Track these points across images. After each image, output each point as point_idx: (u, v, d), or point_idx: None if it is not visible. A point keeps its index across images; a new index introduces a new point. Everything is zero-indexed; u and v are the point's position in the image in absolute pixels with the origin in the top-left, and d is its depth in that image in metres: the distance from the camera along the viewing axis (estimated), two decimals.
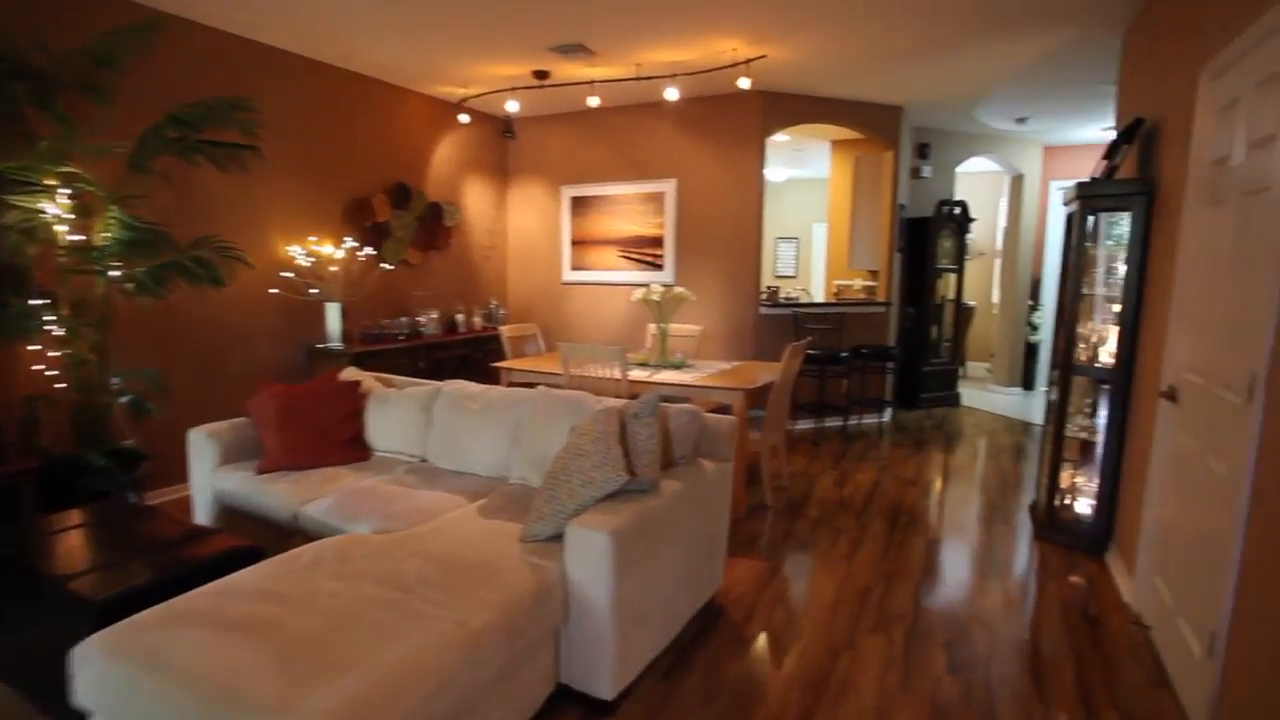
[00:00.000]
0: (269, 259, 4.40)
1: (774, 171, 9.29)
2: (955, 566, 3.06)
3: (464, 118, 5.33)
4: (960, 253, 6.46)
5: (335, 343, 4.61)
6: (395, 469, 3.01)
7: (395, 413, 3.24)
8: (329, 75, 4.72)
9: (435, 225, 5.65)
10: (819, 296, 9.65)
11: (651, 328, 4.88)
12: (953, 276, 6.51)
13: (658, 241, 5.75)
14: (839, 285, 6.76)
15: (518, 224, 6.52)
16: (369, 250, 4.91)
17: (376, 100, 5.08)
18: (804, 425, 5.60)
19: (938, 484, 4.25)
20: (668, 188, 5.64)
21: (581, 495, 2.08)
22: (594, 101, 4.60)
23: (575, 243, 6.19)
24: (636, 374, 3.81)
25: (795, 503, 3.87)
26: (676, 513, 2.22)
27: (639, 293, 4.04)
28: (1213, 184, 2.24)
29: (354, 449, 3.12)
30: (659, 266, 5.77)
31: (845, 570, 3.00)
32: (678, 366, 4.02)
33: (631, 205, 5.83)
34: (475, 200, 6.13)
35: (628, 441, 2.23)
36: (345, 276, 4.73)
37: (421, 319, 5.20)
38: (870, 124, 5.60)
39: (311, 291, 4.49)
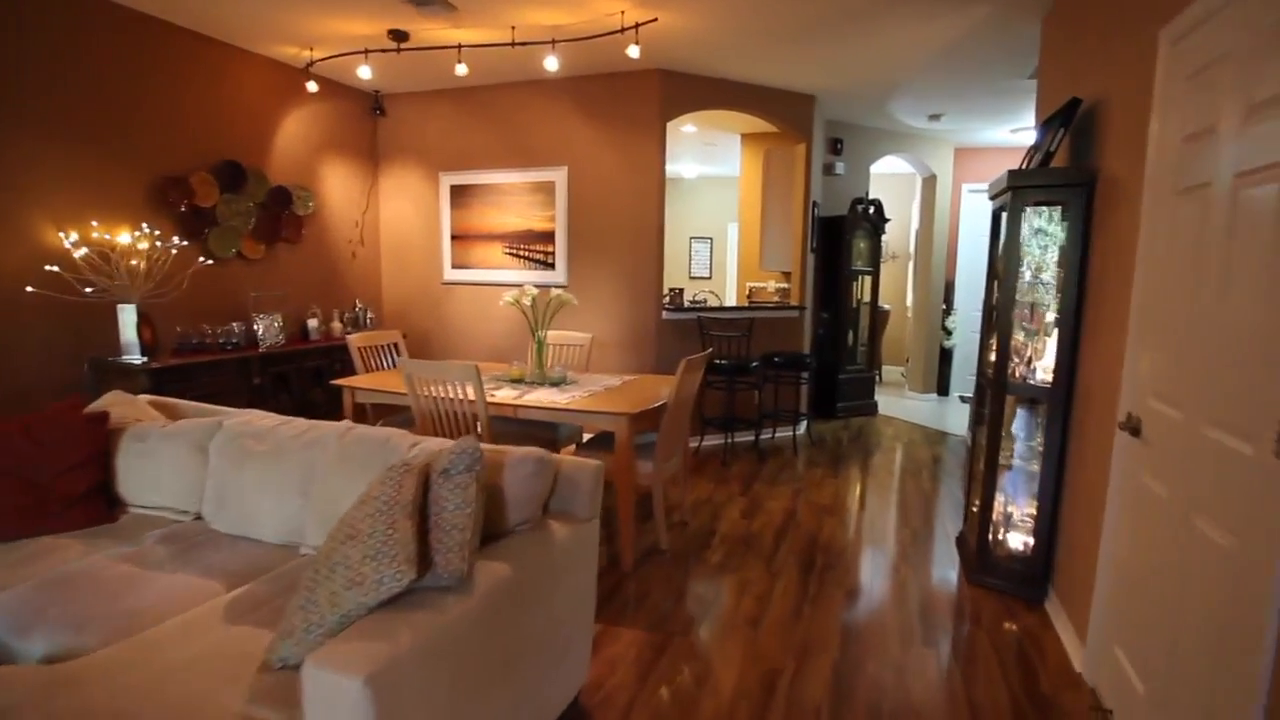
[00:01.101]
0: (28, 248, 3.43)
1: (685, 167, 8.78)
2: (879, 628, 2.54)
3: (312, 86, 4.47)
4: (876, 254, 6.12)
5: (132, 355, 3.68)
6: (147, 535, 2.20)
7: (162, 455, 2.42)
8: (137, 25, 3.77)
9: (282, 213, 4.75)
10: (733, 300, 9.24)
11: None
12: (868, 279, 6.16)
13: (548, 237, 5.07)
14: (752, 287, 6.28)
15: (391, 215, 5.67)
16: (179, 241, 3.98)
17: (199, 59, 4.16)
18: (711, 442, 5.06)
19: (856, 511, 3.78)
20: (558, 176, 4.97)
21: (346, 602, 1.38)
22: (461, 70, 3.88)
23: (456, 237, 5.42)
24: (503, 394, 3.12)
25: (696, 542, 3.28)
26: (499, 616, 1.56)
27: (509, 295, 3.35)
28: (1184, 167, 1.79)
29: (92, 507, 2.28)
30: (550, 265, 5.09)
31: (750, 643, 2.42)
32: (557, 383, 3.36)
33: (519, 196, 5.13)
34: (338, 186, 5.26)
35: (430, 513, 1.55)
36: (146, 272, 3.80)
37: (260, 325, 4.31)
38: (781, 114, 5.13)
39: (87, 290, 3.54)
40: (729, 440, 5.02)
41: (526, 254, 5.16)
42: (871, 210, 5.99)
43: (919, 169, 6.81)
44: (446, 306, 5.54)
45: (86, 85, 3.62)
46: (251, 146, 4.54)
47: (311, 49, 4.39)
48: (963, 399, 6.92)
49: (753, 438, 5.08)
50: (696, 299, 5.39)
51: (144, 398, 2.96)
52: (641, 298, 4.82)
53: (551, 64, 3.77)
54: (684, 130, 6.40)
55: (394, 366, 4.13)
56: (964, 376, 7.08)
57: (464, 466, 1.63)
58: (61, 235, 3.52)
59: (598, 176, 4.85)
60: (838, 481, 4.30)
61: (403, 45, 4.09)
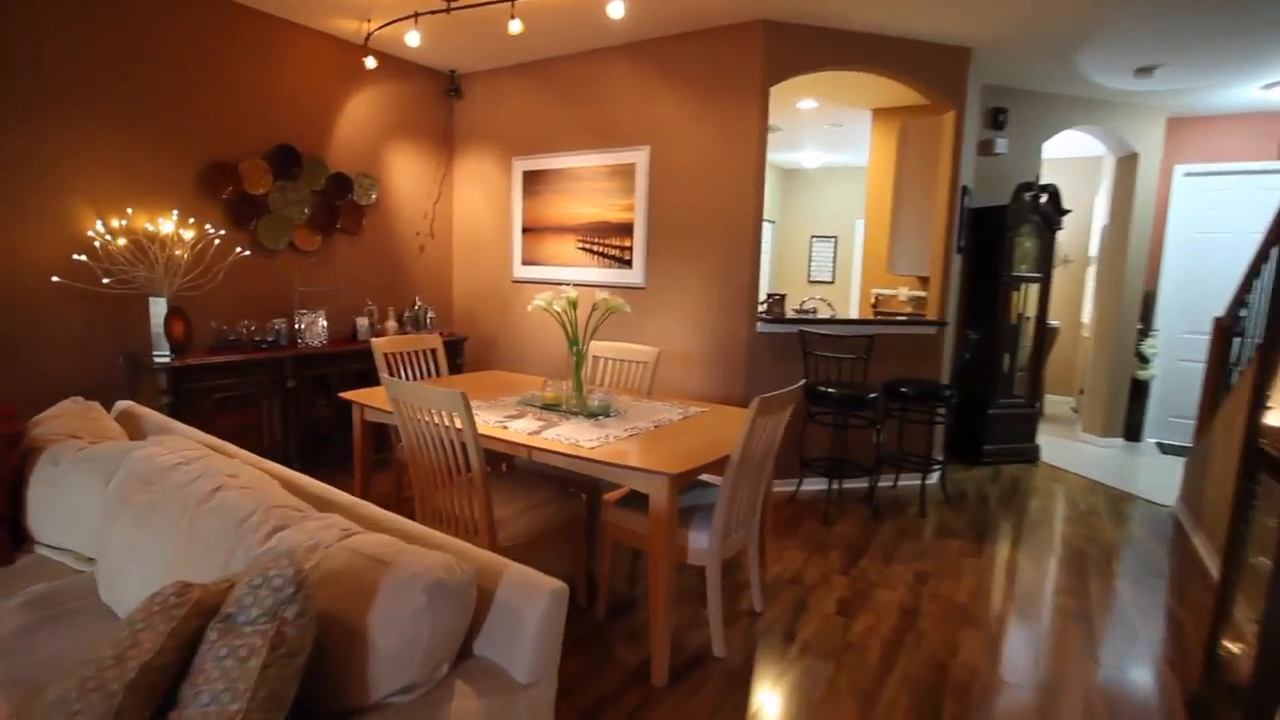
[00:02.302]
0: (66, 236, 3.18)
1: (807, 156, 7.71)
2: None
3: (370, 61, 4.02)
4: (1047, 256, 4.79)
5: (161, 351, 3.35)
6: (21, 593, 1.70)
7: (70, 485, 1.93)
8: (185, 1, 3.48)
9: (341, 202, 4.36)
10: (855, 310, 8.03)
11: (603, 349, 3.46)
12: (1034, 287, 4.85)
13: (625, 229, 4.31)
14: (878, 295, 5.18)
15: (464, 206, 5.18)
16: (216, 230, 3.63)
17: (252, 36, 3.82)
18: (813, 487, 4.07)
19: (1010, 620, 2.68)
20: (639, 158, 4.20)
21: None
22: (515, 27, 3.21)
23: (527, 230, 4.81)
24: (519, 426, 2.39)
25: (767, 646, 2.38)
26: None
27: (539, 299, 2.62)
28: None
29: None
30: (626, 262, 4.33)
31: None
32: (597, 414, 2.59)
33: (595, 182, 4.42)
34: (407, 174, 4.82)
35: (182, 697, 0.82)
36: (187, 264, 3.48)
37: (302, 322, 3.91)
38: (923, 75, 4.02)
39: (105, 281, 3.23)
40: (835, 488, 4.00)
41: (601, 249, 4.44)
42: (1044, 200, 4.68)
43: (1113, 147, 5.33)
44: (516, 308, 4.95)
45: (132, 67, 3.33)
46: (309, 131, 4.16)
47: (369, 19, 3.93)
48: (1163, 447, 5.36)
49: (867, 487, 4.03)
50: (804, 307, 4.41)
51: (125, 405, 2.54)
52: (732, 304, 3.94)
53: (616, 10, 3.00)
54: (801, 107, 5.41)
55: (435, 375, 3.55)
56: (1164, 418, 5.49)
57: (260, 613, 0.90)
58: (99, 223, 3.25)
59: (684, 157, 4.02)
60: (981, 563, 3.18)
61: (453, 4, 3.50)
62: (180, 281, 3.45)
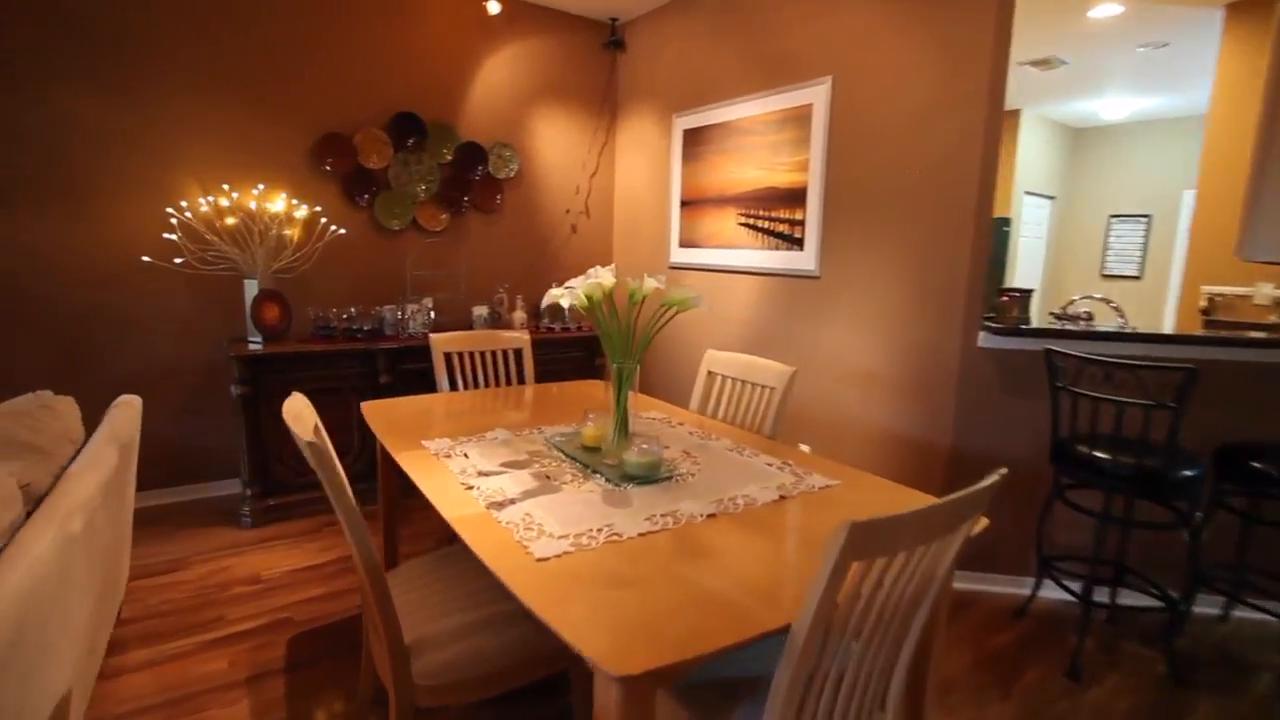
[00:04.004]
0: (171, 216, 3.10)
1: (1108, 103, 5.58)
2: None
3: (493, 6, 3.44)
4: None
5: (254, 337, 3.16)
6: None
7: None
8: None
9: (474, 176, 3.89)
10: (1170, 322, 5.66)
11: (723, 362, 2.46)
12: None
13: (796, 197, 3.17)
14: (1213, 296, 3.31)
15: (626, 178, 4.44)
16: (310, 209, 3.35)
17: None
18: (1056, 595, 2.55)
19: None
20: (816, 96, 3.02)
21: None
22: None
23: (685, 204, 3.90)
24: (497, 486, 1.53)
25: None
26: None
27: (555, 293, 1.71)
28: None
29: None
30: (796, 241, 3.19)
31: None
32: (636, 477, 1.61)
33: (762, 135, 3.34)
34: (556, 143, 4.22)
35: None
36: (294, 244, 3.25)
37: (408, 311, 3.50)
38: None
39: (177, 261, 3.07)
40: (1100, 606, 2.45)
41: (767, 224, 3.35)
42: None
43: None
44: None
45: (243, 38, 3.15)
46: (436, 97, 3.73)
47: None
48: None
49: (1166, 616, 2.39)
50: (1069, 311, 2.83)
51: (126, 399, 2.23)
52: (939, 305, 2.60)
53: None
54: (1096, 16, 3.67)
55: (508, 383, 2.84)
56: None
57: None
58: (203, 202, 3.13)
59: (876, 90, 2.76)
60: None
61: None
62: (275, 263, 3.21)
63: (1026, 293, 2.61)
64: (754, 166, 3.38)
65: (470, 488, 1.55)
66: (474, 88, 3.85)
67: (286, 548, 2.85)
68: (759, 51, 3.30)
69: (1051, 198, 6.67)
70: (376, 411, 2.23)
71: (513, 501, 1.47)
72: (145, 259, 3.02)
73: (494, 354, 2.82)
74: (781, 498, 1.53)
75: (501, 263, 4.10)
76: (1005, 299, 2.61)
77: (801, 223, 3.13)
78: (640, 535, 1.32)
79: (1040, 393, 2.43)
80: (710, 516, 1.42)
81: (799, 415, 3.22)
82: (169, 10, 2.99)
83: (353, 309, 3.39)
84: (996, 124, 2.43)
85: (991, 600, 2.55)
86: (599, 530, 1.33)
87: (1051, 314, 3.03)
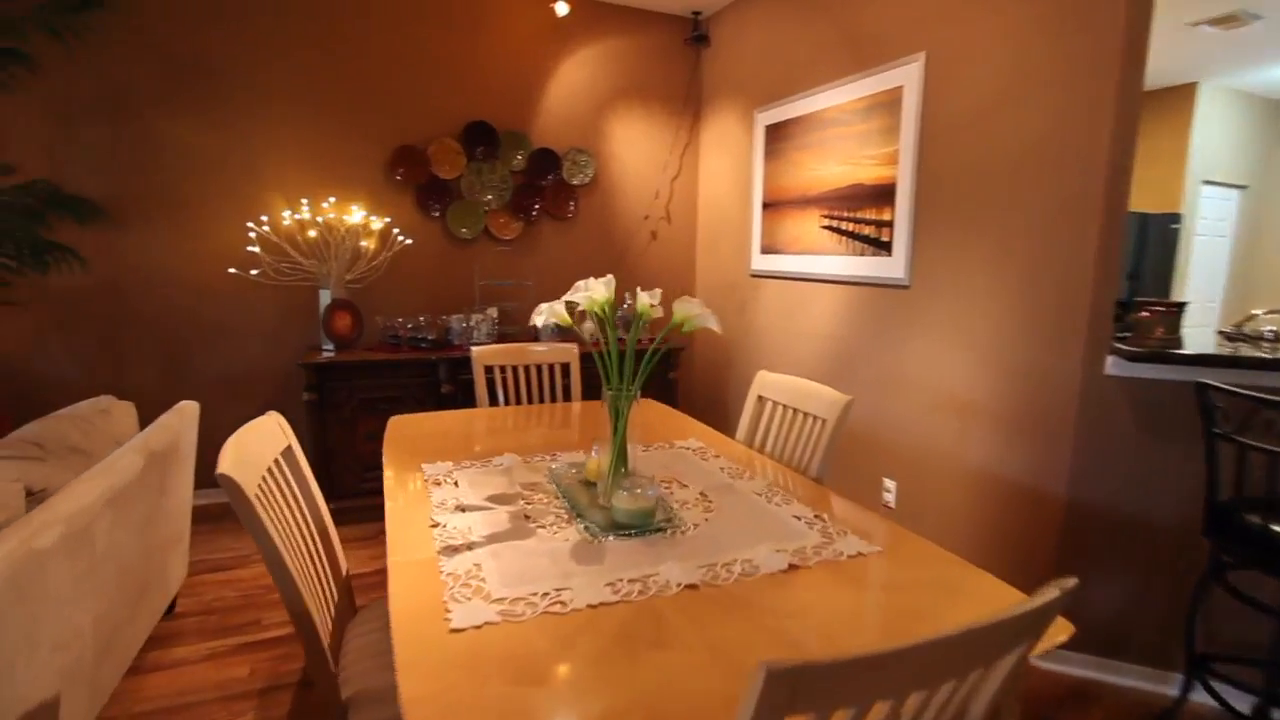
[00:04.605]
0: (273, 234, 3.25)
1: None
2: None
3: (561, 7, 3.31)
4: None
5: (327, 345, 3.24)
6: None
7: None
8: None
9: (546, 183, 3.80)
10: None
11: (774, 385, 2.17)
12: None
13: (884, 195, 2.77)
14: None
15: (710, 181, 4.18)
16: (371, 218, 3.38)
17: (440, 7, 3.47)
18: (1207, 703, 1.96)
19: None
20: (907, 77, 2.60)
21: None
22: None
23: (767, 206, 3.57)
24: (456, 526, 1.35)
25: None
26: None
27: (542, 312, 1.50)
28: None
29: None
30: (883, 246, 2.78)
31: None
32: (628, 527, 1.36)
33: (847, 126, 2.96)
34: (634, 146, 4.05)
35: None
36: (369, 254, 3.32)
37: (473, 320, 3.46)
38: None
39: (253, 272, 3.18)
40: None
41: (851, 227, 2.96)
42: None
43: None
44: (753, 312, 3.76)
45: (323, 57, 3.26)
46: (508, 105, 3.68)
47: None
48: None
49: None
50: (1243, 330, 2.20)
51: (184, 405, 2.30)
52: (1055, 320, 2.12)
53: None
54: None
55: (553, 400, 2.68)
56: None
57: None
58: (286, 214, 3.26)
59: (976, 64, 2.31)
60: None
61: None
62: (348, 274, 3.28)
63: (1176, 306, 2.05)
64: (838, 162, 3.00)
65: (436, 525, 1.38)
66: (548, 93, 3.76)
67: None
68: (844, 32, 2.93)
69: (1241, 187, 5.56)
70: (399, 427, 2.14)
71: (470, 547, 1.28)
72: (231, 270, 3.19)
73: (539, 368, 2.68)
74: (791, 567, 1.22)
75: (575, 272, 3.97)
76: (1146, 314, 2.07)
77: (890, 224, 2.72)
78: (590, 606, 1.08)
79: (1194, 436, 1.89)
80: (689, 588, 1.14)
81: (883, 445, 2.80)
82: (255, 40, 3.14)
83: (421, 318, 3.40)
84: (1133, 95, 1.93)
85: (1122, 696, 2.03)
86: (544, 595, 1.10)
87: (1221, 332, 2.41)
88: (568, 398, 2.66)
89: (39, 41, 2.62)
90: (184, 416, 2.23)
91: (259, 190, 3.24)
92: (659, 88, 4.04)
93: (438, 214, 3.57)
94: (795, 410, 1.96)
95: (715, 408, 4.15)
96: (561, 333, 3.68)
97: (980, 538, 2.39)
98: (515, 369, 2.64)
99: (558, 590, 1.12)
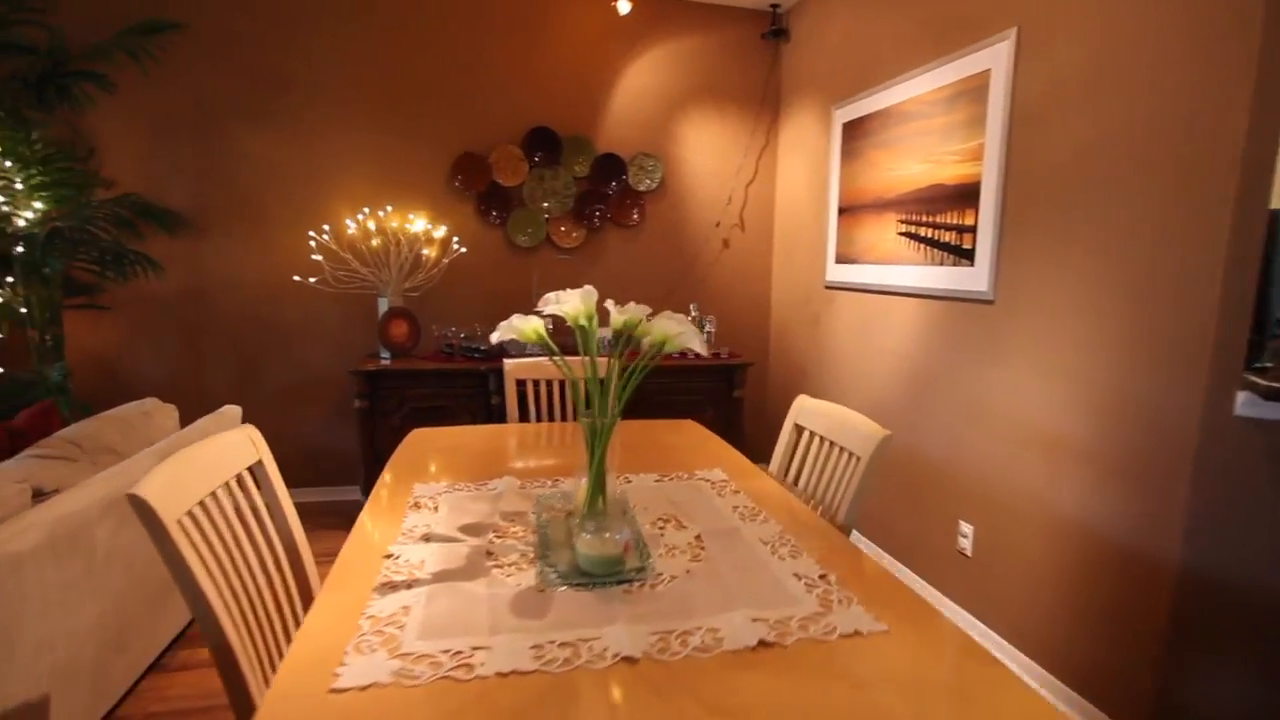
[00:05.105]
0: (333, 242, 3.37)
1: None
2: None
3: (623, 6, 3.19)
4: None
5: (384, 353, 3.30)
6: None
7: None
8: None
9: (611, 190, 3.70)
10: None
11: (812, 412, 1.94)
12: None
13: (965, 196, 2.42)
14: None
15: (787, 185, 3.92)
16: (430, 227, 3.38)
17: (500, 9, 3.45)
18: None
19: None
20: (995, 58, 2.25)
21: None
22: None
23: (843, 211, 3.27)
24: (409, 559, 1.23)
25: None
26: None
27: (500, 328, 1.35)
28: None
29: None
30: (964, 254, 2.43)
31: None
32: (599, 575, 1.19)
33: (926, 120, 2.62)
34: (707, 150, 3.86)
35: None
36: (411, 262, 3.35)
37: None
38: None
39: (311, 280, 3.26)
40: None
41: (930, 233, 2.62)
42: None
43: None
44: (828, 326, 3.47)
45: (390, 70, 3.34)
46: (572, 109, 3.61)
47: None
48: None
49: None
50: None
51: (227, 409, 2.38)
52: (1169, 345, 1.72)
53: None
54: None
55: None
56: None
57: None
58: (349, 224, 3.36)
59: (1074, 44, 1.94)
60: None
61: None
62: (406, 281, 3.31)
63: None
64: (917, 160, 2.67)
65: (389, 556, 1.27)
66: (613, 97, 3.66)
67: None
68: (928, 11, 2.60)
69: None
70: (417, 441, 2.08)
71: (411, 585, 1.16)
72: (295, 278, 3.31)
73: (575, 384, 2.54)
74: (762, 644, 1.00)
75: (640, 281, 3.84)
76: None
77: (972, 229, 2.37)
78: (500, 675, 0.91)
79: None
80: (626, 660, 0.95)
81: (960, 483, 2.44)
82: (327, 55, 3.26)
83: (478, 327, 3.38)
84: (1278, 65, 1.52)
85: None
86: (456, 654, 0.95)
87: None
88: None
89: (123, 61, 2.83)
90: (222, 421, 2.29)
91: (325, 200, 3.35)
92: (733, 87, 3.83)
93: (498, 221, 3.56)
94: (831, 443, 1.71)
95: (778, 428, 3.85)
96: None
97: (1071, 602, 1.99)
98: (550, 383, 2.53)
99: (474, 649, 0.97)
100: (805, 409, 1.87)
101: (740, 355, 3.63)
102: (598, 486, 1.31)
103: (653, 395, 3.42)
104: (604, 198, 3.68)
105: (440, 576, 1.19)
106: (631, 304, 1.31)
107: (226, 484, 1.30)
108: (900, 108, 2.78)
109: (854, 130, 3.14)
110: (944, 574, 2.55)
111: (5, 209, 2.83)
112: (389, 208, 3.39)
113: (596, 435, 1.30)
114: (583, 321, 1.32)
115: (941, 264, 2.55)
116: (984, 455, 2.34)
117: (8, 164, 2.79)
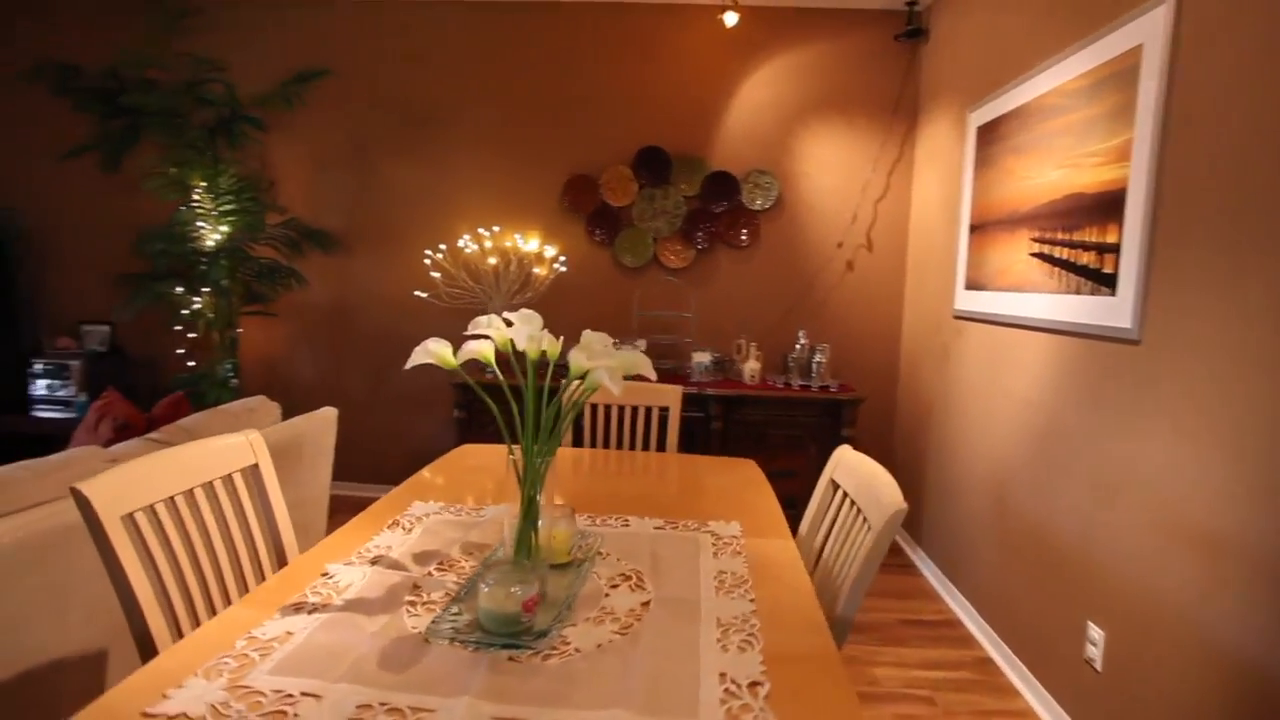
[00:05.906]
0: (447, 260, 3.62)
1: None
2: None
3: (730, 17, 3.02)
4: None
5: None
6: None
7: None
8: (539, 13, 3.45)
9: (721, 209, 3.54)
10: None
11: (847, 468, 1.66)
12: None
13: (1108, 208, 1.93)
14: None
15: (921, 201, 3.48)
16: (532, 247, 3.44)
17: (613, 33, 3.45)
18: None
19: None
20: (1146, 31, 1.77)
21: None
22: None
23: (974, 229, 2.81)
24: (347, 581, 1.21)
25: None
26: None
27: (417, 353, 1.27)
28: None
29: None
30: (1103, 280, 1.93)
31: None
32: (497, 635, 1.07)
33: (1063, 116, 2.15)
34: (831, 164, 3.56)
35: None
36: (521, 281, 3.46)
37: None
38: None
39: (418, 294, 3.45)
40: None
41: (1065, 254, 2.13)
42: None
43: None
44: (958, 359, 2.99)
45: (508, 98, 3.52)
46: (683, 128, 3.52)
47: None
48: None
49: None
50: None
51: (327, 411, 2.62)
52: None
53: None
54: None
55: (645, 448, 2.39)
56: None
57: None
58: (464, 241, 3.57)
59: (1263, 8, 1.44)
60: None
61: None
62: (510, 299, 3.42)
63: None
64: (1054, 164, 2.19)
65: (324, 574, 1.26)
66: (727, 114, 3.51)
67: None
68: None
69: None
70: (461, 455, 2.10)
71: (312, 610, 1.13)
72: (415, 293, 3.57)
73: (633, 410, 2.42)
74: None
75: (750, 305, 3.61)
76: None
77: (1115, 248, 1.87)
78: None
79: None
80: None
81: (1092, 574, 1.93)
82: (461, 91, 3.51)
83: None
84: None
85: None
86: (285, 697, 0.89)
87: None
88: (662, 447, 2.36)
89: (279, 106, 3.28)
90: (314, 421, 2.50)
91: (449, 220, 3.59)
92: (861, 95, 3.48)
93: (605, 241, 3.56)
94: (856, 508, 1.42)
95: (900, 475, 3.37)
96: (716, 369, 3.35)
97: None
98: (609, 409, 2.43)
99: (304, 695, 0.90)
100: (843, 462, 1.58)
101: (852, 389, 3.25)
102: (529, 532, 1.19)
103: (751, 425, 3.18)
104: (714, 217, 3.53)
105: (350, 606, 1.15)
106: (546, 332, 1.18)
107: (210, 484, 1.37)
108: (1037, 104, 2.31)
109: (988, 134, 2.68)
110: (1064, 687, 2.03)
111: (203, 231, 3.40)
112: (496, 228, 3.54)
113: (530, 475, 1.19)
114: (522, 347, 1.22)
115: (1076, 292, 2.06)
116: (1120, 542, 1.82)
117: (204, 194, 3.35)
